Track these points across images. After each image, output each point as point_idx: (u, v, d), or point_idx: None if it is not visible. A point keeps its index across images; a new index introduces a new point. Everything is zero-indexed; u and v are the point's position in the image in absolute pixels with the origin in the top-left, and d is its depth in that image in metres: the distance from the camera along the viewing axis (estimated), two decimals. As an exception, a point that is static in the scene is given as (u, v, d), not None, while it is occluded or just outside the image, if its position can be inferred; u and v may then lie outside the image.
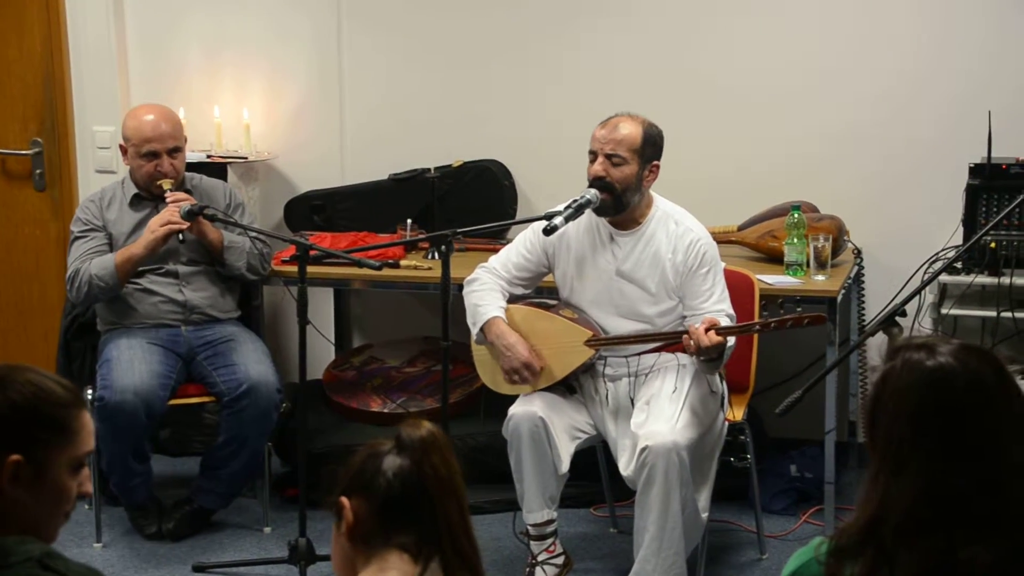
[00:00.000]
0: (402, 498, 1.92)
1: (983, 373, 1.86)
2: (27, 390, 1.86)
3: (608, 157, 3.76)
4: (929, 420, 1.84)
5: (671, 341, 3.81)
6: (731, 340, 3.70)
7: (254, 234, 4.48)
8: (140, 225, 4.44)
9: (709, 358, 3.67)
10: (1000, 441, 1.84)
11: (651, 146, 3.80)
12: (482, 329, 3.90)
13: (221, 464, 4.39)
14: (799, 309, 3.62)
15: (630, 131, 3.77)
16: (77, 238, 4.44)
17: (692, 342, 3.61)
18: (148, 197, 4.47)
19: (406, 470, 1.93)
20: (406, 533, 1.91)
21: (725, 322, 3.75)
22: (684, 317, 3.84)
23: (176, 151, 4.43)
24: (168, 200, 4.33)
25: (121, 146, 4.49)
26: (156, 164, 4.39)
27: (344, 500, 1.95)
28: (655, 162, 3.82)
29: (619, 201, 3.80)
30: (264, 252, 4.54)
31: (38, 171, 5.52)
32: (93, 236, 4.43)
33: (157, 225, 4.30)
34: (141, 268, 4.41)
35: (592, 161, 3.80)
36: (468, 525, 1.97)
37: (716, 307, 3.79)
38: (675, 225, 3.84)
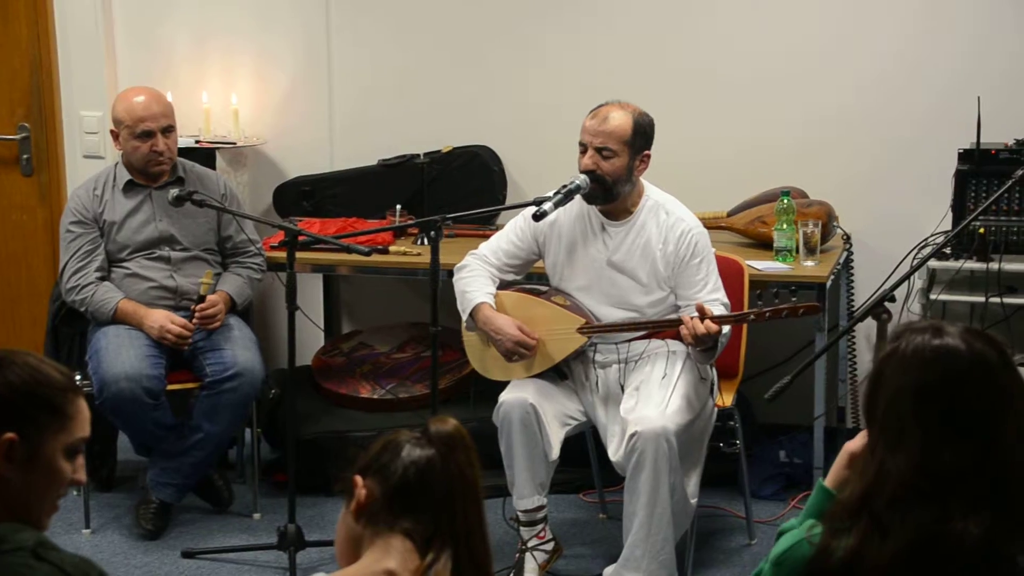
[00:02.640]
0: (417, 486, 1.91)
1: (987, 355, 1.91)
2: (24, 372, 1.89)
3: (598, 150, 3.75)
4: (931, 396, 1.89)
5: (665, 329, 3.80)
6: (725, 329, 3.70)
7: (249, 239, 4.52)
8: (133, 213, 4.42)
9: (704, 348, 3.66)
10: (998, 421, 1.89)
11: (641, 136, 3.78)
12: (471, 315, 3.90)
13: (184, 452, 4.32)
14: (794, 299, 3.62)
15: (620, 122, 3.75)
16: (68, 231, 4.42)
17: (688, 332, 3.61)
18: (142, 183, 4.45)
19: (425, 460, 1.93)
20: (414, 521, 1.91)
21: (719, 311, 3.75)
22: (678, 307, 3.83)
23: (169, 129, 4.41)
24: (196, 316, 4.32)
25: (112, 131, 4.46)
26: (151, 144, 4.36)
27: (357, 478, 1.95)
28: (646, 152, 3.80)
29: (609, 192, 3.79)
30: (260, 265, 4.57)
31: (25, 156, 5.49)
32: (84, 232, 4.40)
33: (169, 332, 4.27)
34: (131, 253, 4.41)
35: (582, 153, 3.78)
36: (485, 530, 1.97)
37: (710, 297, 3.78)
38: (666, 215, 3.84)
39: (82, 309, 4.39)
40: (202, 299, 4.34)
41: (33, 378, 1.89)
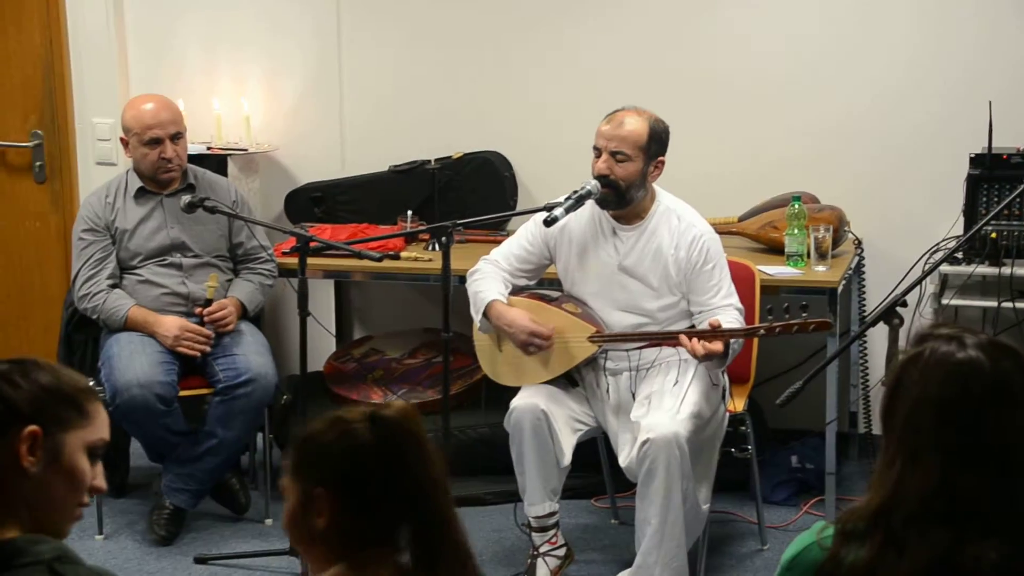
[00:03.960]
0: (385, 492, 1.84)
1: (1010, 373, 1.85)
2: (50, 372, 1.94)
3: (612, 154, 3.75)
4: (951, 413, 1.84)
5: (675, 340, 3.79)
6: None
7: (260, 245, 4.53)
8: (144, 220, 4.44)
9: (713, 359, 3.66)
10: (1019, 442, 1.84)
11: (656, 142, 3.78)
12: (485, 315, 3.90)
13: (198, 458, 4.33)
14: (805, 315, 3.61)
15: (635, 127, 3.75)
16: (80, 239, 4.43)
17: (691, 350, 3.60)
18: (153, 190, 4.47)
19: (386, 459, 1.85)
20: (382, 528, 1.84)
21: (734, 315, 3.75)
22: (692, 313, 3.83)
23: (178, 136, 4.42)
24: (205, 320, 4.33)
25: (122, 139, 4.48)
26: (160, 151, 4.38)
27: (320, 491, 1.85)
28: (660, 158, 3.80)
29: (622, 197, 3.79)
30: (271, 271, 4.58)
31: (38, 163, 5.51)
32: (96, 240, 4.42)
33: (183, 340, 4.29)
34: (143, 260, 4.43)
35: (596, 157, 3.78)
36: (455, 513, 1.90)
37: (724, 302, 3.78)
38: (678, 220, 3.83)
39: (94, 316, 4.40)
40: (208, 303, 4.35)
41: (57, 377, 1.93)
